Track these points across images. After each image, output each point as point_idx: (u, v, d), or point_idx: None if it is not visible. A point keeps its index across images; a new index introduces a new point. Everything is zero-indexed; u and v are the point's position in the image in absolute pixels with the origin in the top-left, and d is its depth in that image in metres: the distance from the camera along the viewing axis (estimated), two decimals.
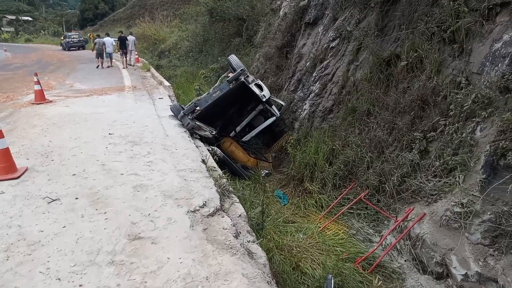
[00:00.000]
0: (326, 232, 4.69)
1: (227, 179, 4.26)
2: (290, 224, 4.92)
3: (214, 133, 6.47)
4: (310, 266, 3.90)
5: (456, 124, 3.69)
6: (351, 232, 4.67)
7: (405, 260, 3.93)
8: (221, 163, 5.84)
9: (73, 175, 4.03)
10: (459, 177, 3.52)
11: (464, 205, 3.34)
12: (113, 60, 18.20)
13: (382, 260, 3.93)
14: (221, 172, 4.42)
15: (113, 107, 8.00)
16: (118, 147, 5.04)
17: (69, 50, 32.34)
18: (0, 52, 28.86)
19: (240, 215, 3.47)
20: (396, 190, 4.31)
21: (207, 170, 4.30)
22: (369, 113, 5.25)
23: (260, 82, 7.20)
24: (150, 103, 8.63)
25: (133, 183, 3.79)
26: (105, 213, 3.12)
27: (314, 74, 7.02)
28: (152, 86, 11.52)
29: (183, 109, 6.71)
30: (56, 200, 3.38)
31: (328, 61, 6.67)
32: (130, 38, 17.79)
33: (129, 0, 51.86)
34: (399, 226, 4.08)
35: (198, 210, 3.20)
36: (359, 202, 4.78)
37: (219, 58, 12.84)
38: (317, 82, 6.82)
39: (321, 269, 3.81)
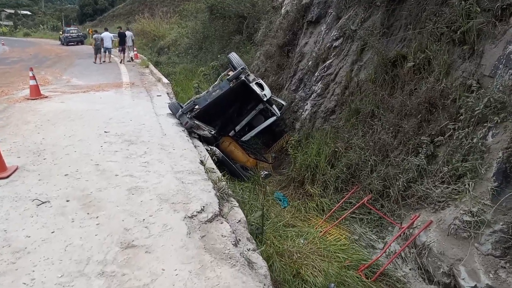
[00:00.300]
0: (328, 237, 4.54)
1: (226, 181, 4.09)
2: (290, 228, 4.77)
3: (213, 133, 6.30)
4: (311, 273, 3.75)
5: (466, 129, 3.54)
6: (353, 237, 4.52)
7: (410, 269, 3.79)
8: (220, 163, 5.68)
9: (65, 175, 3.86)
10: (468, 184, 3.37)
11: (474, 214, 3.20)
12: (112, 55, 17.98)
13: (386, 268, 3.79)
14: (220, 174, 4.25)
15: (110, 104, 7.81)
16: (113, 146, 4.87)
17: (67, 45, 31.97)
18: None
19: (239, 221, 3.31)
20: (401, 196, 4.17)
21: (205, 172, 4.14)
22: (373, 115, 5.09)
23: (261, 81, 7.04)
24: (148, 100, 8.44)
25: (128, 185, 3.61)
26: (97, 217, 2.95)
27: (316, 74, 6.86)
28: (151, 83, 11.32)
29: (182, 107, 6.53)
30: (45, 202, 3.21)
31: (331, 60, 6.51)
32: (128, 33, 17.58)
33: None
34: (403, 233, 3.93)
35: (195, 215, 3.04)
36: (362, 206, 4.63)
37: (219, 56, 12.65)
38: (319, 82, 6.66)
39: (322, 276, 3.66)
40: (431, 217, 3.70)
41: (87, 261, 2.39)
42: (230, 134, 7.50)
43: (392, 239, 3.98)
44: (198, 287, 2.17)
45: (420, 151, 4.08)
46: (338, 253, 4.16)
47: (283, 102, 7.42)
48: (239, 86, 6.64)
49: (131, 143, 5.00)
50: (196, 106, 6.32)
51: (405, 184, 4.12)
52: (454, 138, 3.68)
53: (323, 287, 3.53)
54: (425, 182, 3.91)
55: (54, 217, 2.97)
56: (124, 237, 2.67)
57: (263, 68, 9.47)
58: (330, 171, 5.29)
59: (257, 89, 6.73)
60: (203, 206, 3.19)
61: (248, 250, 2.81)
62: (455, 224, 3.36)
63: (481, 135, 3.36)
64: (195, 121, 6.16)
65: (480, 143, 3.34)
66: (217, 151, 5.94)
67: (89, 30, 35.45)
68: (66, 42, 32.35)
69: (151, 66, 15.70)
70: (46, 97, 8.52)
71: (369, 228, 4.53)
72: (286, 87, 8.03)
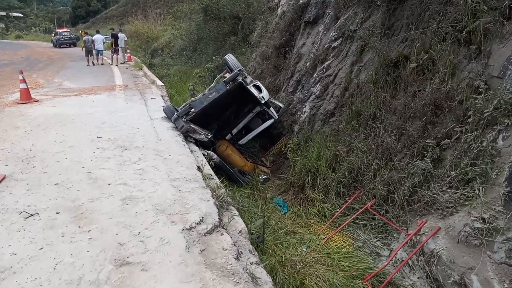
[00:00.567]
0: (331, 244, 4.39)
1: (225, 189, 3.91)
2: (292, 236, 4.62)
3: (209, 137, 6.12)
4: (315, 283, 3.60)
5: (475, 132, 3.40)
6: (357, 244, 4.37)
7: (418, 278, 3.64)
8: (217, 168, 5.50)
9: (56, 184, 3.65)
10: (478, 189, 3.23)
11: (486, 220, 3.06)
12: (104, 57, 17.71)
13: (393, 277, 3.64)
14: (218, 181, 4.07)
15: (103, 107, 7.60)
16: (106, 152, 4.67)
17: (60, 47, 31.63)
18: None
19: (240, 231, 3.14)
20: (406, 201, 4.02)
21: (203, 179, 3.95)
22: (375, 117, 4.95)
23: (258, 83, 6.88)
24: (142, 103, 8.24)
25: (122, 194, 3.42)
26: (89, 231, 2.75)
27: (314, 75, 6.71)
28: (144, 86, 11.10)
29: (177, 110, 6.34)
30: (34, 214, 3.01)
31: (329, 61, 6.37)
32: (121, 35, 17.36)
33: None
34: (410, 240, 3.78)
35: (194, 227, 2.86)
36: (365, 212, 4.49)
37: (214, 57, 12.48)
38: (318, 84, 6.52)
39: (327, 287, 3.51)
40: (439, 224, 3.56)
41: (79, 281, 2.21)
42: (226, 137, 7.33)
43: (399, 247, 3.84)
44: None
45: (425, 154, 3.94)
46: (343, 261, 4.01)
47: (280, 104, 7.27)
48: (236, 88, 6.48)
49: (124, 149, 4.81)
50: (192, 110, 6.14)
51: (411, 188, 3.97)
52: (462, 141, 3.54)
53: None
54: (432, 186, 3.77)
55: (43, 231, 2.77)
56: (118, 253, 2.48)
57: (259, 70, 9.31)
58: (331, 175, 5.14)
59: (254, 91, 6.57)
60: (202, 217, 3.01)
61: (251, 264, 2.64)
62: (465, 231, 3.22)
63: (491, 138, 3.23)
64: (191, 125, 5.98)
65: (490, 147, 3.20)
66: (214, 156, 5.76)
67: (81, 32, 35.06)
68: (59, 44, 32.02)
69: (145, 68, 15.47)
70: (37, 100, 8.29)
71: (373, 234, 4.38)
72: (283, 89, 7.88)
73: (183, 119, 5.99)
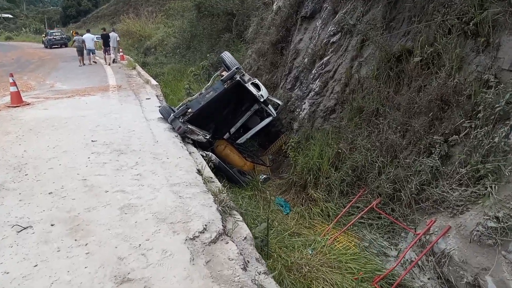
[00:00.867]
0: (336, 245, 4.27)
1: (227, 193, 3.76)
2: (296, 238, 4.49)
3: (208, 137, 5.96)
4: None
5: (486, 127, 3.28)
6: (363, 244, 4.25)
7: (428, 278, 3.53)
8: (216, 169, 5.35)
9: (49, 193, 3.48)
10: (491, 187, 3.12)
11: (500, 219, 2.95)
12: (97, 57, 17.41)
13: (403, 279, 3.53)
14: (220, 185, 3.92)
15: (97, 109, 7.39)
16: (101, 157, 4.49)
17: (51, 48, 31.18)
18: None
19: (245, 238, 3.00)
20: (413, 199, 3.90)
21: (204, 183, 3.80)
22: (377, 113, 4.82)
23: (257, 81, 6.71)
24: (137, 104, 8.04)
25: (120, 202, 3.26)
26: (86, 245, 2.60)
27: (313, 71, 6.56)
28: (139, 85, 10.88)
29: (174, 111, 6.17)
30: (27, 228, 2.84)
31: (328, 57, 6.22)
32: (112, 35, 17.07)
33: None
34: (419, 240, 3.67)
35: (197, 236, 2.71)
36: (370, 211, 4.37)
37: (208, 55, 12.27)
38: (317, 80, 6.37)
39: None
40: (449, 222, 3.45)
41: None
42: (224, 136, 7.18)
43: (408, 247, 3.72)
44: None
45: (433, 151, 3.81)
46: (350, 263, 3.89)
47: (279, 102, 7.12)
48: (234, 87, 6.31)
49: (121, 153, 4.63)
50: (189, 110, 5.97)
51: (418, 186, 3.85)
52: (472, 137, 3.42)
53: None
54: (440, 184, 3.65)
55: (37, 246, 2.61)
56: (118, 268, 2.33)
57: (255, 67, 9.14)
58: (334, 173, 5.01)
59: (253, 89, 6.41)
60: (205, 225, 2.87)
61: (259, 273, 2.51)
62: (478, 230, 3.11)
63: (503, 134, 3.11)
64: (189, 126, 5.81)
65: (503, 143, 3.08)
66: (213, 157, 5.61)
67: (72, 32, 34.59)
68: (50, 45, 31.60)
69: (138, 68, 15.21)
70: (29, 104, 8.06)
71: (379, 234, 4.26)
72: (281, 85, 7.72)
73: (180, 120, 5.82)
